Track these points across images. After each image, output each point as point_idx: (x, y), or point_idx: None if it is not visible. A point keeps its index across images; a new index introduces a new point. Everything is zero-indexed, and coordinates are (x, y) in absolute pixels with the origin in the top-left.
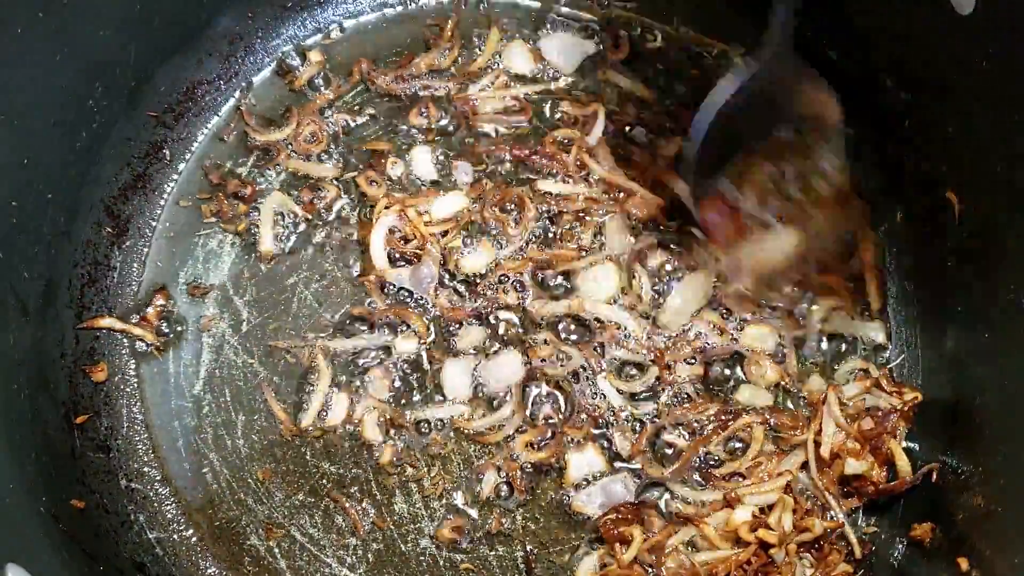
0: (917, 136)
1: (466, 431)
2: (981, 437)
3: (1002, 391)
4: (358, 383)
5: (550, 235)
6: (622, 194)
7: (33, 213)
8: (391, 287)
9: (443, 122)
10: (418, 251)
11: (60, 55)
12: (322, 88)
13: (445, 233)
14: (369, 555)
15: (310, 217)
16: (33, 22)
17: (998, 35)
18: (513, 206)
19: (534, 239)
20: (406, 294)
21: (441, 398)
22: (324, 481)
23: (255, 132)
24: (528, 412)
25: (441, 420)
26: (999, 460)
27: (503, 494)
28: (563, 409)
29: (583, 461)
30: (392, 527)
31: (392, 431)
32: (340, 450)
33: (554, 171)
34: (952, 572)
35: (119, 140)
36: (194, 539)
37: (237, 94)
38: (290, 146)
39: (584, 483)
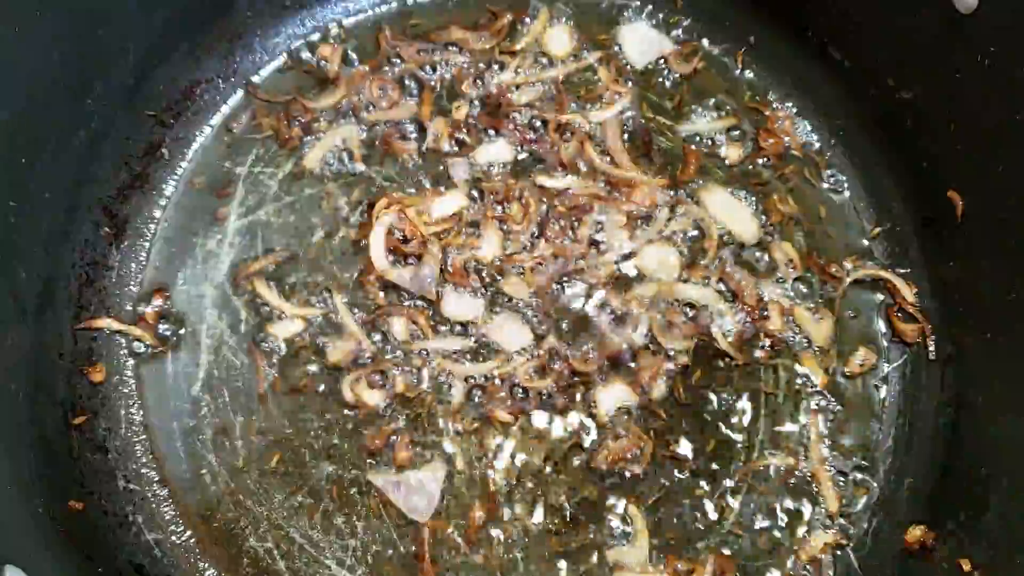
0: (917, 136)
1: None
2: (982, 437)
3: (1003, 391)
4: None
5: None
6: (625, 188)
7: (32, 213)
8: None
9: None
10: (418, 251)
11: (60, 55)
12: (356, 63)
13: (446, 232)
14: (368, 556)
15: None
16: (33, 22)
17: (998, 35)
18: (514, 201)
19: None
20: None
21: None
22: (324, 482)
23: (308, 101)
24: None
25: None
26: (1000, 460)
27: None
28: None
29: (611, 396)
30: (392, 527)
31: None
32: (340, 449)
33: (553, 163)
34: (953, 572)
35: (118, 140)
36: (192, 540)
37: (240, 93)
38: (360, 97)
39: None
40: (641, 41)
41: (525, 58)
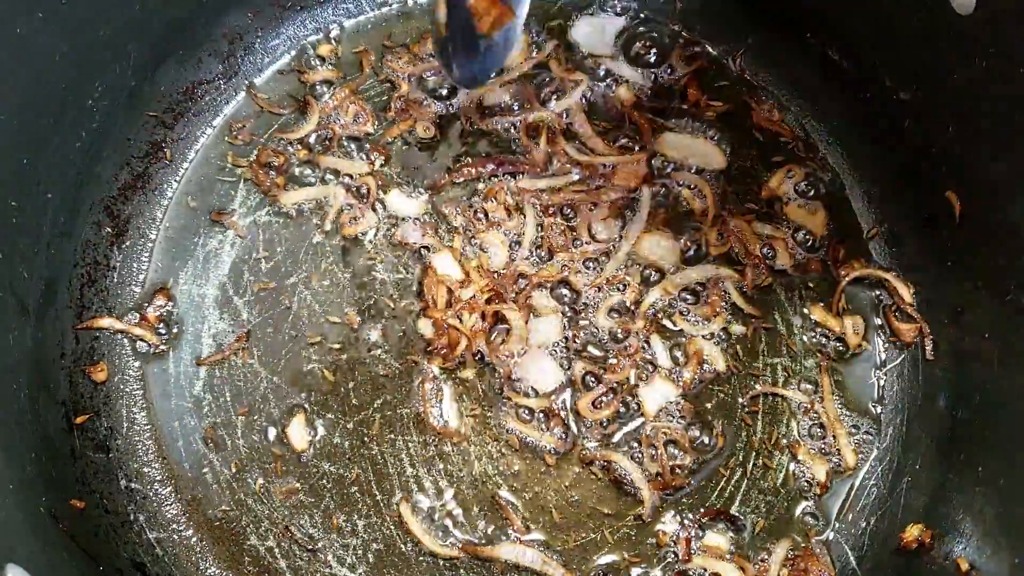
0: (917, 136)
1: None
2: (981, 437)
3: (1002, 391)
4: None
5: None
6: (604, 173)
7: (33, 213)
8: None
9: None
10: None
11: (60, 55)
12: (336, 85)
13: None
14: (369, 555)
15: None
16: (33, 22)
17: (998, 35)
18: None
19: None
20: None
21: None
22: (324, 481)
23: (284, 133)
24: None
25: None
26: (999, 460)
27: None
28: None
29: (656, 393)
30: (392, 527)
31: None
32: (340, 449)
33: (530, 166)
34: (952, 572)
35: (119, 140)
36: (194, 539)
37: (241, 96)
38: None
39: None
40: (592, 31)
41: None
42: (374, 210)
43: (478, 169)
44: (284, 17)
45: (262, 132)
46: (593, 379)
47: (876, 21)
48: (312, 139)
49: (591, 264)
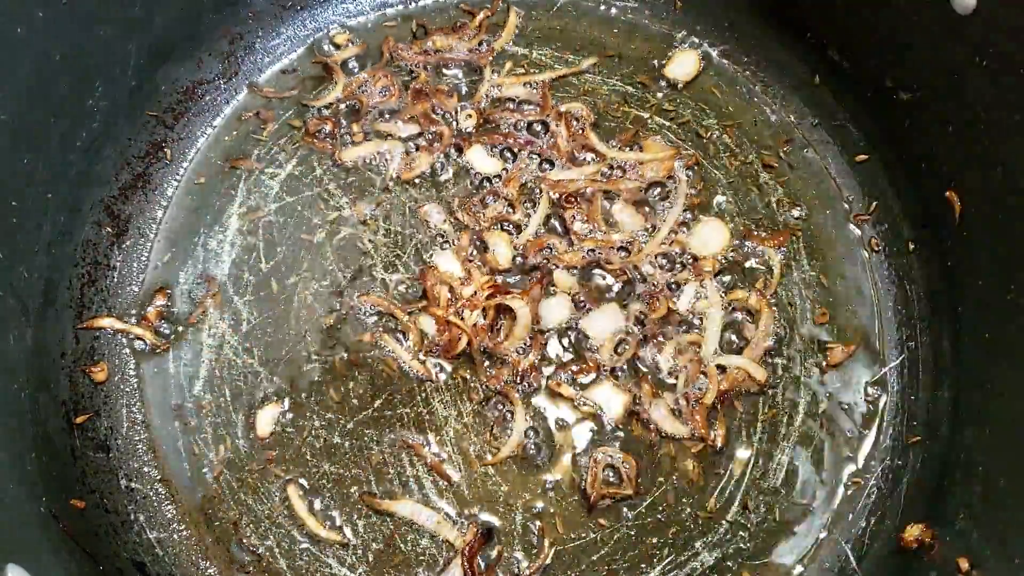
0: (916, 137)
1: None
2: (981, 436)
3: (1002, 391)
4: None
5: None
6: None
7: (33, 213)
8: None
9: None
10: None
11: (60, 55)
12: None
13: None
14: (369, 555)
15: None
16: (33, 22)
17: (998, 35)
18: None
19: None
20: None
21: None
22: (324, 481)
23: (311, 102)
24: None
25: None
26: (999, 460)
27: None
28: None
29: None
30: (392, 527)
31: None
32: (340, 449)
33: (557, 157)
34: (952, 572)
35: (119, 140)
36: (194, 539)
37: (241, 96)
38: (365, 92)
39: None
40: None
41: (505, 61)
42: (449, 155)
43: (507, 140)
44: (284, 17)
45: (277, 115)
46: (641, 320)
47: (876, 21)
48: (344, 107)
49: (620, 251)
